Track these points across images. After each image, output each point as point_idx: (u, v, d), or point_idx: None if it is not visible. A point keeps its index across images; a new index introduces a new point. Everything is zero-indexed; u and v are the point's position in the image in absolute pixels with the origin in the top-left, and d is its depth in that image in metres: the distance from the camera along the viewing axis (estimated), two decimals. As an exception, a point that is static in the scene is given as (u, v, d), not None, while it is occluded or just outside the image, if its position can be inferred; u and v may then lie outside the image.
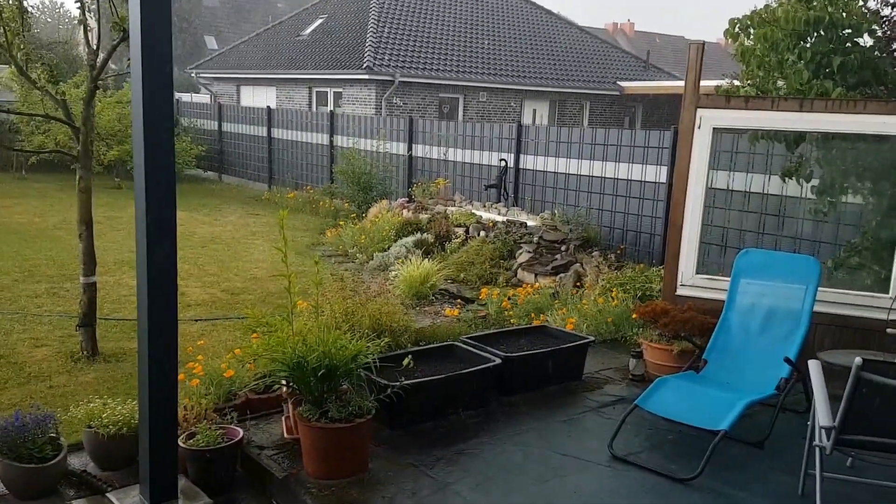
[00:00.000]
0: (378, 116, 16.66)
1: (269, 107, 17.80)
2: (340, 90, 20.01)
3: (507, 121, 20.08)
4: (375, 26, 20.27)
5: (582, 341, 5.31)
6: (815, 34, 5.58)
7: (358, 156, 13.48)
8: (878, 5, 5.88)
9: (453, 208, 10.85)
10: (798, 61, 5.49)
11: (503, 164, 11.30)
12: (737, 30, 5.90)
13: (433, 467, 3.89)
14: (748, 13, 5.83)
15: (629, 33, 49.14)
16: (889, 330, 4.48)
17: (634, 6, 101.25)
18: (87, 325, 5.71)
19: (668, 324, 5.10)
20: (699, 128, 5.42)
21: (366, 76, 18.59)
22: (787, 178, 6.25)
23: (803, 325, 4.56)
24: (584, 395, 5.05)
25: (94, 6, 5.79)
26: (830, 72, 5.47)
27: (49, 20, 54.71)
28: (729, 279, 5.03)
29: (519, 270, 8.53)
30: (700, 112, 5.41)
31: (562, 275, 8.01)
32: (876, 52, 5.73)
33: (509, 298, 7.08)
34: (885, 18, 5.87)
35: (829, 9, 5.49)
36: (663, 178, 8.99)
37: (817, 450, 3.18)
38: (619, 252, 8.82)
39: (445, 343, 5.13)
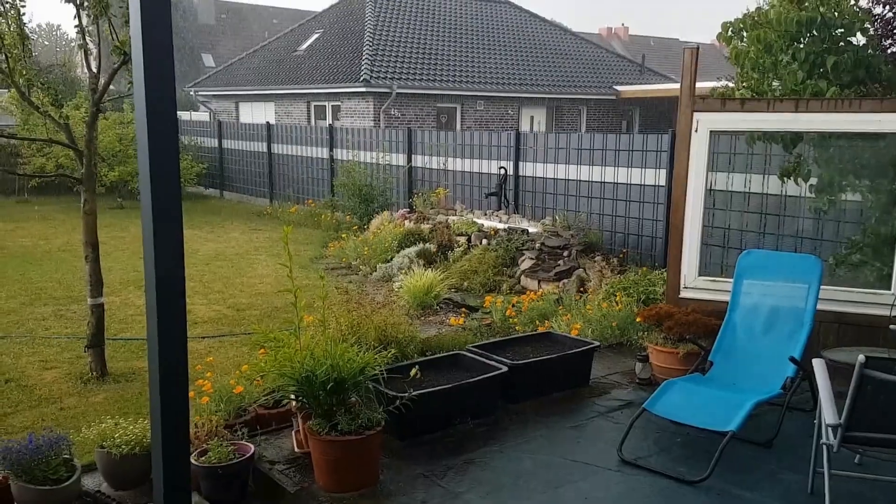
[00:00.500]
0: (377, 128, 16.75)
1: (268, 122, 17.89)
2: (338, 103, 20.11)
3: (505, 129, 20.16)
4: (371, 39, 20.39)
5: (587, 346, 5.34)
6: (808, 35, 5.64)
7: (358, 168, 13.55)
8: (870, 4, 5.94)
9: (454, 217, 10.90)
10: (792, 62, 5.54)
11: (503, 171, 11.35)
12: (730, 33, 5.95)
13: (443, 477, 3.92)
14: (740, 16, 5.88)
15: (623, 37, 49.30)
16: (892, 326, 4.51)
17: (628, 10, 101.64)
18: (96, 346, 5.75)
19: (673, 327, 5.13)
20: (696, 131, 5.46)
21: (363, 89, 18.69)
22: (785, 178, 6.29)
23: (807, 323, 4.59)
24: (592, 400, 5.07)
25: (92, 27, 5.86)
26: (824, 71, 5.51)
27: (46, 43, 55.03)
28: (732, 280, 5.06)
29: (522, 277, 8.57)
30: (696, 115, 5.45)
31: (565, 280, 8.05)
32: (869, 51, 5.78)
33: (513, 306, 7.11)
34: (877, 17, 5.92)
35: (821, 9, 5.54)
36: (663, 181, 9.03)
37: (824, 448, 3.21)
38: (621, 256, 8.85)
39: (451, 352, 5.16)
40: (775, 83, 5.74)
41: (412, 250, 9.79)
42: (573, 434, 4.52)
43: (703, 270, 5.72)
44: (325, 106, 20.87)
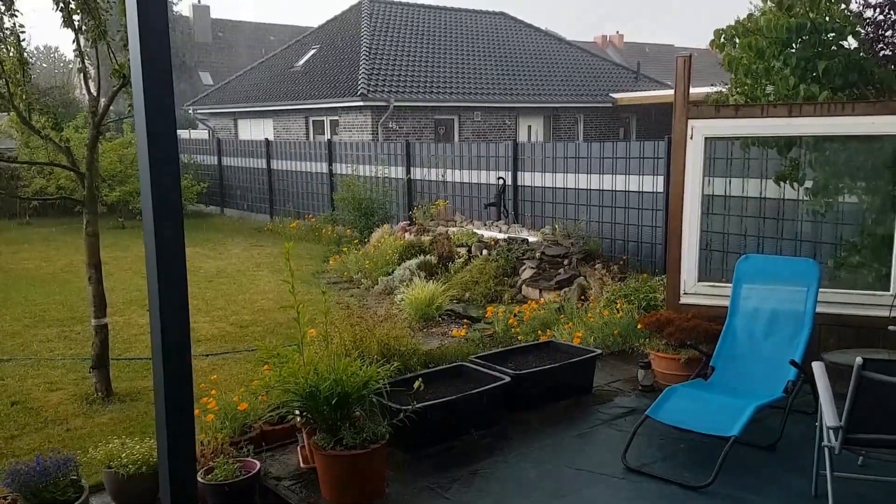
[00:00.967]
0: (375, 142, 16.82)
1: (267, 139, 17.98)
2: (337, 118, 20.21)
3: (502, 139, 20.24)
4: (368, 53, 20.50)
5: (590, 355, 5.36)
6: (799, 40, 5.69)
7: (357, 182, 13.61)
8: (861, 8, 5.99)
9: (454, 228, 10.94)
10: (784, 68, 5.60)
11: (501, 182, 11.40)
12: (722, 40, 6.01)
13: (449, 489, 3.93)
14: (732, 23, 5.94)
15: (618, 45, 49.55)
16: (891, 327, 4.53)
17: (623, 18, 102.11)
18: (101, 367, 5.78)
19: (674, 333, 5.15)
20: (691, 138, 5.51)
21: (361, 103, 18.78)
22: (781, 182, 6.33)
23: (807, 326, 4.61)
24: (595, 408, 5.09)
25: (90, 51, 5.92)
26: (817, 76, 5.56)
27: (45, 65, 55.34)
28: (731, 285, 5.09)
29: (523, 287, 8.60)
30: (691, 122, 5.50)
31: (566, 289, 8.08)
32: (861, 54, 5.83)
33: (515, 315, 7.14)
34: (867, 20, 5.98)
35: (811, 14, 5.60)
36: (661, 188, 9.07)
37: (826, 450, 3.23)
38: (621, 263, 8.88)
39: (454, 364, 5.19)
40: (769, 88, 5.79)
41: (413, 262, 9.83)
42: (578, 442, 4.54)
43: (704, 276, 5.75)
44: (323, 121, 20.96)
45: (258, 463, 3.99)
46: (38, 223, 17.03)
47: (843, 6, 5.82)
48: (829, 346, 4.98)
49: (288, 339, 6.60)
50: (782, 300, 4.81)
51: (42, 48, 57.50)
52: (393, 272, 9.82)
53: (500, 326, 7.03)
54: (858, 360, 2.93)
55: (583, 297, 7.80)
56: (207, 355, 6.93)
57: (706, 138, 5.55)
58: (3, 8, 5.74)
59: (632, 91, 25.08)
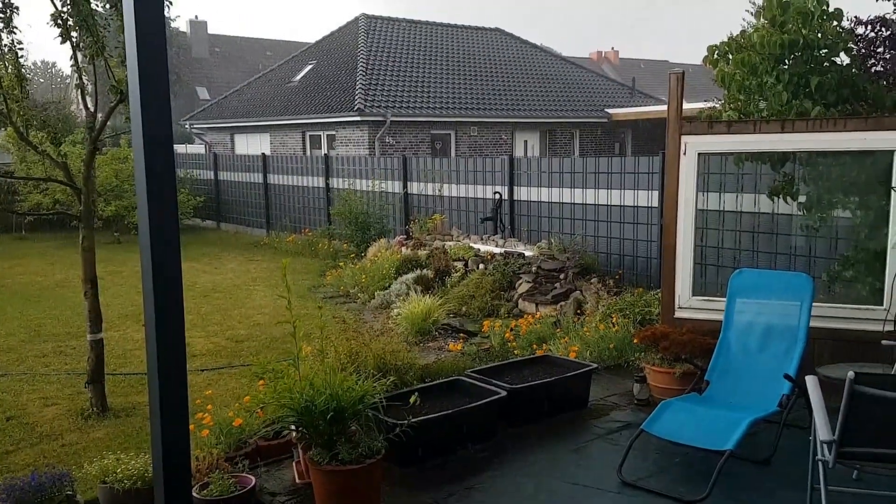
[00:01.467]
0: (372, 156, 16.88)
1: (263, 153, 18.03)
2: (333, 133, 20.29)
3: (499, 154, 20.32)
4: (364, 69, 20.62)
5: (585, 369, 5.38)
6: (792, 56, 5.75)
7: (354, 196, 13.64)
8: (853, 24, 6.06)
9: (451, 243, 10.96)
10: (777, 84, 5.65)
11: (497, 196, 11.44)
12: (716, 56, 6.07)
13: None
14: (725, 40, 6.00)
15: (614, 61, 49.90)
16: (884, 342, 4.56)
17: (618, 34, 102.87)
18: (96, 382, 5.76)
19: (669, 347, 5.17)
20: (684, 154, 5.55)
21: (357, 118, 18.87)
22: (775, 197, 6.38)
23: (801, 340, 4.64)
24: (591, 422, 5.09)
25: (88, 66, 5.96)
26: (809, 92, 5.62)
27: (42, 80, 55.50)
28: (725, 299, 5.11)
29: (520, 301, 8.61)
30: (684, 139, 5.55)
31: (562, 303, 8.09)
32: (853, 70, 5.89)
33: (511, 329, 7.15)
34: (859, 37, 6.04)
35: (804, 31, 5.66)
36: (655, 203, 9.12)
37: (820, 464, 3.24)
38: (617, 277, 8.90)
39: (451, 378, 5.19)
40: (762, 104, 5.84)
41: (410, 277, 9.84)
42: (574, 457, 4.54)
43: (698, 290, 5.78)
44: (320, 135, 21.04)
45: (253, 478, 3.98)
46: (34, 238, 17.01)
47: (836, 23, 5.89)
48: (823, 360, 5.00)
49: (284, 354, 6.60)
50: (776, 314, 4.83)
51: (39, 63, 57.71)
52: (389, 286, 9.82)
53: (497, 340, 7.03)
54: (851, 374, 2.95)
55: (579, 312, 7.81)
56: (203, 370, 6.92)
57: (699, 154, 5.60)
58: (1, 25, 5.78)
59: (627, 107, 25.25)
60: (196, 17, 42.05)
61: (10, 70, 5.94)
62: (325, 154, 17.14)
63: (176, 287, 3.41)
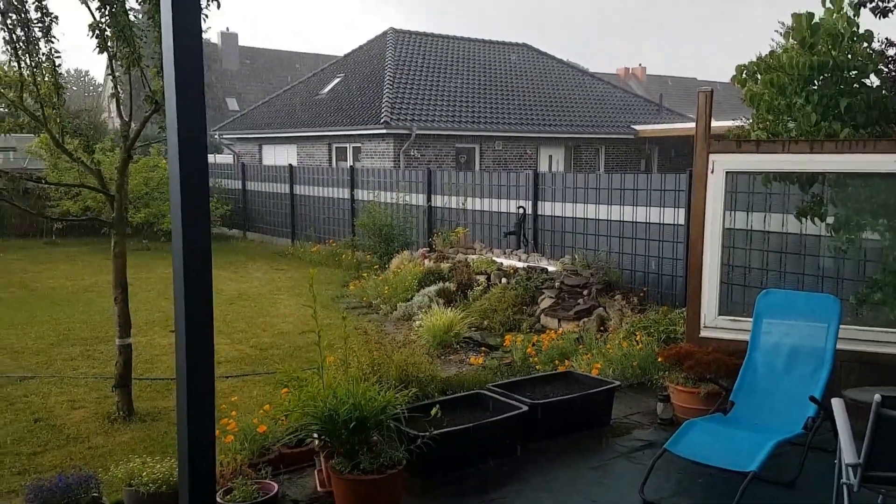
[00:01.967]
0: (397, 169, 16.99)
1: (290, 164, 18.23)
2: (359, 145, 20.45)
3: (523, 168, 20.34)
4: (391, 82, 20.80)
5: (608, 386, 5.35)
6: (821, 78, 5.72)
7: (379, 208, 13.73)
8: (883, 46, 6.01)
9: (474, 256, 10.99)
10: (806, 104, 5.62)
11: (521, 211, 11.46)
12: (744, 76, 6.06)
13: (465, 517, 3.93)
14: (754, 60, 5.99)
15: (641, 77, 49.77)
16: (914, 365, 4.49)
17: (645, 51, 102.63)
18: (123, 386, 5.85)
19: (694, 366, 5.14)
20: (712, 172, 5.54)
21: (383, 130, 19.01)
22: (803, 218, 6.32)
23: (827, 363, 4.59)
24: (613, 440, 5.07)
25: (124, 76, 6.09)
26: (838, 113, 5.58)
27: (75, 88, 56.65)
28: (752, 319, 5.07)
29: (542, 316, 8.60)
30: (712, 157, 5.53)
31: (585, 319, 8.07)
32: (884, 92, 5.85)
33: (533, 345, 7.14)
34: (890, 58, 5.99)
35: (834, 53, 5.63)
36: (682, 220, 9.07)
37: (845, 488, 3.20)
38: (641, 295, 8.86)
39: (472, 391, 5.20)
40: (790, 125, 5.81)
41: (432, 289, 9.87)
42: (595, 475, 4.52)
43: (724, 309, 5.74)
44: (346, 147, 21.22)
45: (276, 485, 4.02)
46: (64, 243, 17.32)
47: (866, 45, 5.85)
48: (850, 382, 4.94)
49: (307, 363, 6.66)
50: (803, 336, 4.79)
51: (73, 71, 58.92)
52: (412, 298, 9.86)
53: (519, 355, 7.03)
54: (877, 397, 2.92)
55: (602, 328, 7.78)
56: (228, 377, 7.00)
57: (727, 172, 5.58)
58: (39, 34, 5.93)
59: (654, 123, 25.16)
60: (227, 29, 42.63)
61: (47, 78, 6.08)
62: (350, 166, 17.29)
63: (206, 294, 3.47)
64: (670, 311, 7.70)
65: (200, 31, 3.23)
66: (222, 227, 19.23)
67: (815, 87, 5.76)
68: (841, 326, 4.72)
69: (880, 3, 5.86)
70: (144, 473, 3.96)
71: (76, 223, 17.96)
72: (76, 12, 6.03)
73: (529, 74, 24.76)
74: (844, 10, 5.76)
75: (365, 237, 13.79)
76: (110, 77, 6.30)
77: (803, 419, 4.31)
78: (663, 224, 9.41)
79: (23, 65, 5.92)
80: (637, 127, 24.41)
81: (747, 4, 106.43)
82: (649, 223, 9.58)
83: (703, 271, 5.63)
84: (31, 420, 5.85)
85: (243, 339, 8.57)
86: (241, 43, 43.57)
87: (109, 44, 5.76)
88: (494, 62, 24.48)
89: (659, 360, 5.85)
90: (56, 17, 5.94)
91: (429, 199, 13.64)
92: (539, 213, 11.37)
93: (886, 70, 5.91)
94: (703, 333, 5.63)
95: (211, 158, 25.41)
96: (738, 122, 6.89)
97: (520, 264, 10.14)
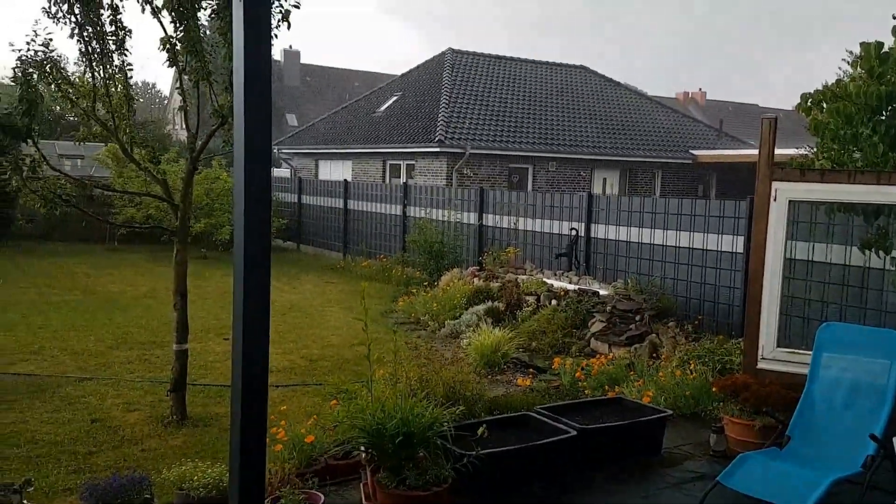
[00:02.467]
0: (449, 187, 17.09)
1: (345, 179, 18.52)
2: (413, 162, 20.65)
3: (577, 190, 20.22)
4: (447, 102, 20.98)
5: (660, 415, 5.25)
6: (889, 108, 5.56)
7: (430, 225, 13.82)
8: (956, 75, 5.81)
9: (524, 277, 10.94)
10: (873, 135, 5.47)
11: (574, 233, 11.38)
12: (809, 104, 5.93)
13: (509, 540, 3.89)
14: (820, 88, 5.86)
15: (701, 102, 49.04)
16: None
17: (705, 76, 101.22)
18: (178, 391, 5.99)
19: (749, 398, 5.01)
20: (775, 200, 5.42)
21: (437, 149, 19.16)
22: (867, 250, 6.12)
23: (888, 400, 4.41)
24: (663, 470, 4.96)
25: (192, 90, 6.29)
26: (908, 143, 5.41)
27: (141, 100, 58.71)
28: (811, 353, 4.92)
29: (592, 340, 8.50)
30: (775, 185, 5.42)
31: (637, 345, 7.94)
32: (955, 123, 5.64)
33: (583, 369, 7.06)
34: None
35: (904, 82, 5.47)
36: (740, 248, 8.89)
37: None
38: (696, 323, 8.68)
39: (520, 413, 5.17)
40: (856, 155, 5.66)
41: (480, 308, 9.87)
42: (642, 504, 4.43)
43: (783, 341, 5.58)
44: (399, 164, 21.45)
45: (322, 496, 4.05)
46: (125, 249, 17.89)
47: (938, 74, 5.67)
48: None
49: (355, 376, 6.72)
50: (864, 372, 4.62)
51: (140, 84, 61.08)
52: (460, 316, 9.87)
53: (567, 379, 6.95)
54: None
55: (654, 355, 7.65)
56: (277, 386, 7.10)
57: (790, 201, 5.45)
58: (113, 46, 6.18)
59: (713, 149, 24.76)
60: (290, 46, 43.68)
61: (119, 89, 6.32)
62: (403, 183, 17.46)
63: (264, 305, 3.54)
64: (726, 340, 7.52)
65: (271, 52, 3.34)
66: (277, 239, 19.61)
67: (883, 118, 5.60)
68: (907, 364, 4.53)
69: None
70: (196, 478, 4.04)
71: (138, 231, 18.53)
72: (147, 25, 6.28)
73: (585, 96, 24.68)
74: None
75: (415, 253, 13.88)
76: (178, 90, 6.52)
77: (862, 457, 4.15)
78: (721, 251, 9.22)
79: (96, 76, 6.17)
80: (696, 152, 24.05)
81: (812, 32, 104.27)
82: (706, 250, 9.40)
83: (762, 301, 5.49)
84: (88, 420, 6.03)
85: (293, 349, 8.69)
86: (303, 60, 44.59)
87: (180, 58, 5.95)
88: (551, 83, 24.47)
89: (713, 390, 5.72)
90: (130, 31, 6.18)
91: (480, 218, 13.66)
92: (592, 235, 11.28)
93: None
94: (761, 365, 5.48)
95: (269, 172, 25.99)
96: (801, 151, 6.73)
97: (570, 286, 10.05)
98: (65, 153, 19.48)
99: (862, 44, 5.70)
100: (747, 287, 5.82)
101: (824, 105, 5.81)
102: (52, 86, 6.20)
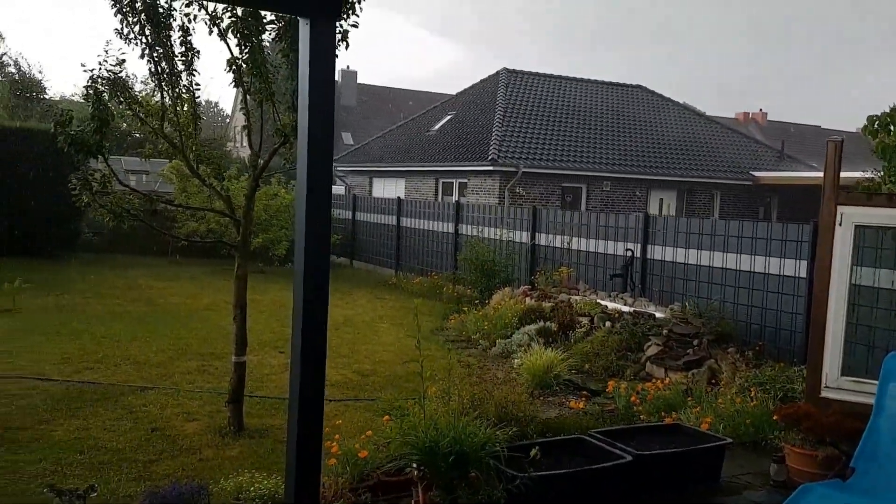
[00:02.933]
0: (501, 206, 17.10)
1: (399, 197, 18.71)
2: (465, 181, 20.74)
3: (632, 210, 19.98)
4: (501, 120, 21.04)
5: (719, 442, 5.12)
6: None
7: (482, 244, 13.83)
8: None
9: (577, 297, 10.83)
10: (946, 157, 5.27)
11: (629, 253, 11.23)
12: (876, 126, 5.75)
13: (562, 564, 3.83)
14: (887, 110, 5.68)
15: (762, 123, 47.99)
16: None
17: (766, 96, 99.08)
18: (236, 402, 6.11)
19: (812, 428, 4.85)
20: (840, 224, 5.26)
21: (490, 167, 19.21)
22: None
23: (965, 436, 4.20)
24: (722, 499, 4.83)
25: (256, 109, 6.46)
26: (984, 166, 5.20)
27: (204, 118, 60.46)
28: (876, 382, 4.73)
29: (648, 364, 8.35)
30: (840, 208, 5.26)
31: (694, 371, 7.76)
32: None
33: (638, 393, 6.93)
34: None
35: (980, 103, 5.27)
36: (803, 273, 8.63)
37: None
38: (756, 349, 8.44)
39: (573, 436, 5.10)
40: (928, 177, 5.46)
41: (532, 328, 9.80)
42: (700, 534, 4.31)
43: (847, 370, 5.38)
44: (452, 183, 21.57)
45: (374, 512, 4.07)
46: (186, 262, 18.38)
47: None
48: None
49: (406, 392, 6.74)
50: (937, 404, 4.41)
51: (203, 103, 62.99)
52: (511, 336, 9.82)
53: (622, 403, 6.83)
54: None
55: (713, 381, 7.46)
56: (330, 400, 7.17)
57: (856, 226, 5.28)
58: (181, 67, 6.40)
59: (774, 170, 24.19)
60: (347, 67, 44.53)
61: (186, 108, 6.54)
62: (456, 201, 17.54)
63: (322, 320, 3.59)
64: (788, 367, 7.30)
65: (334, 73, 3.41)
66: (331, 254, 19.91)
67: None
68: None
69: None
70: (252, 488, 4.11)
71: (199, 244, 19.04)
72: (211, 46, 6.47)
73: (642, 115, 24.44)
74: None
75: (467, 271, 13.90)
76: (240, 110, 6.71)
77: (936, 495, 3.96)
78: (783, 275, 8.98)
79: (165, 95, 6.40)
80: (756, 173, 23.53)
81: (879, 53, 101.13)
82: (768, 274, 9.16)
83: (827, 328, 5.32)
84: (149, 429, 6.18)
85: (346, 364, 8.77)
86: (359, 80, 45.38)
87: (245, 79, 6.13)
88: (606, 102, 24.32)
89: (774, 419, 5.56)
90: (198, 52, 6.39)
91: (532, 237, 13.62)
92: (648, 256, 11.11)
93: None
94: (824, 394, 5.29)
95: (325, 189, 26.46)
96: (867, 174, 6.52)
97: (625, 308, 9.91)
98: (130, 169, 20.20)
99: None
100: (810, 313, 5.65)
101: (892, 128, 5.63)
102: (122, 104, 6.44)
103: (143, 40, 6.13)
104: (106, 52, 6.23)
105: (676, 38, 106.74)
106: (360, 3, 5.69)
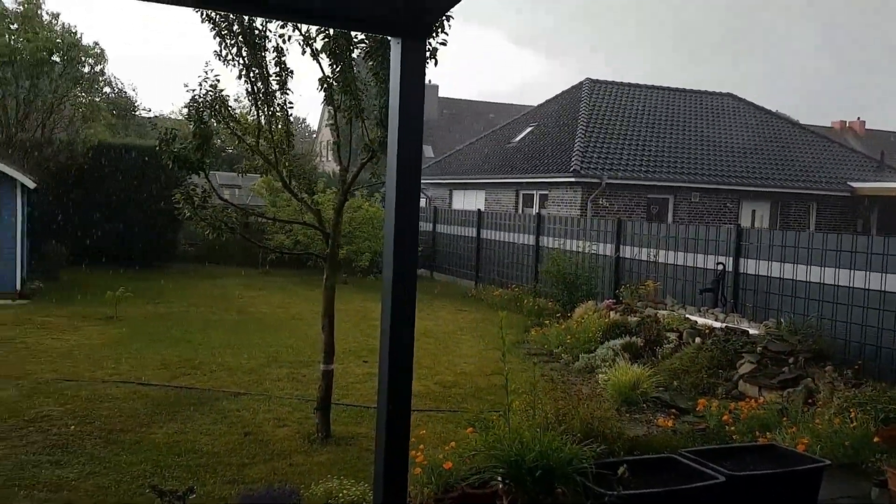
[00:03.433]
0: (584, 218, 16.88)
1: (479, 209, 18.77)
2: (546, 192, 20.59)
3: (722, 222, 19.34)
4: (584, 131, 20.80)
5: (816, 464, 4.88)
6: None
7: (563, 256, 13.69)
8: None
9: (664, 312, 10.57)
10: None
11: (720, 267, 10.88)
12: None
13: (651, 586, 3.74)
14: None
15: (859, 132, 45.59)
16: None
17: (864, 104, 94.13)
18: (323, 409, 6.27)
19: (922, 453, 4.55)
20: (953, 237, 4.94)
21: (572, 179, 18.99)
22: None
23: None
24: (820, 525, 4.60)
25: (345, 126, 6.64)
26: None
27: (294, 135, 62.33)
28: None
29: (740, 382, 8.05)
30: (953, 220, 4.95)
31: (790, 389, 7.44)
32: None
33: (730, 412, 6.69)
34: None
35: None
36: (908, 289, 8.15)
37: None
38: (856, 368, 8.01)
39: (663, 455, 4.97)
40: None
41: (617, 342, 9.62)
42: (798, 561, 4.12)
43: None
44: (533, 194, 21.46)
45: (460, 524, 4.08)
46: (274, 273, 19.00)
47: None
48: None
49: (488, 405, 6.75)
50: None
51: (291, 118, 65.06)
52: (595, 350, 9.67)
53: (713, 422, 6.61)
54: None
55: (809, 401, 7.13)
56: (413, 411, 7.23)
57: (972, 238, 4.95)
58: (276, 86, 6.65)
59: (874, 181, 22.95)
60: (430, 81, 45.16)
61: (280, 126, 6.79)
62: (536, 213, 17.45)
63: (409, 331, 3.65)
64: (890, 388, 6.90)
65: (423, 91, 3.49)
66: (414, 266, 20.16)
67: None
68: None
69: None
70: (341, 494, 4.21)
71: (287, 255, 19.65)
72: (302, 65, 6.70)
73: (733, 124, 23.67)
74: None
75: (548, 284, 13.78)
76: (330, 126, 6.90)
77: None
78: (885, 291, 8.50)
79: (261, 114, 6.66)
80: (854, 184, 22.38)
81: None
82: (868, 289, 8.70)
83: (938, 348, 5.00)
84: (242, 434, 6.41)
85: (428, 375, 8.84)
86: (440, 94, 45.90)
87: (336, 96, 6.31)
88: (694, 111, 23.70)
89: (876, 440, 5.27)
90: (292, 72, 6.64)
91: (617, 250, 13.39)
92: (741, 270, 10.74)
93: None
94: (936, 418, 4.97)
95: (407, 201, 26.85)
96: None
97: (716, 324, 9.60)
98: (224, 183, 21.09)
99: None
100: (920, 331, 5.33)
101: None
102: (221, 123, 6.75)
103: (241, 61, 6.42)
104: (205, 73, 6.55)
105: (774, 50, 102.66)
106: (448, 21, 5.78)
